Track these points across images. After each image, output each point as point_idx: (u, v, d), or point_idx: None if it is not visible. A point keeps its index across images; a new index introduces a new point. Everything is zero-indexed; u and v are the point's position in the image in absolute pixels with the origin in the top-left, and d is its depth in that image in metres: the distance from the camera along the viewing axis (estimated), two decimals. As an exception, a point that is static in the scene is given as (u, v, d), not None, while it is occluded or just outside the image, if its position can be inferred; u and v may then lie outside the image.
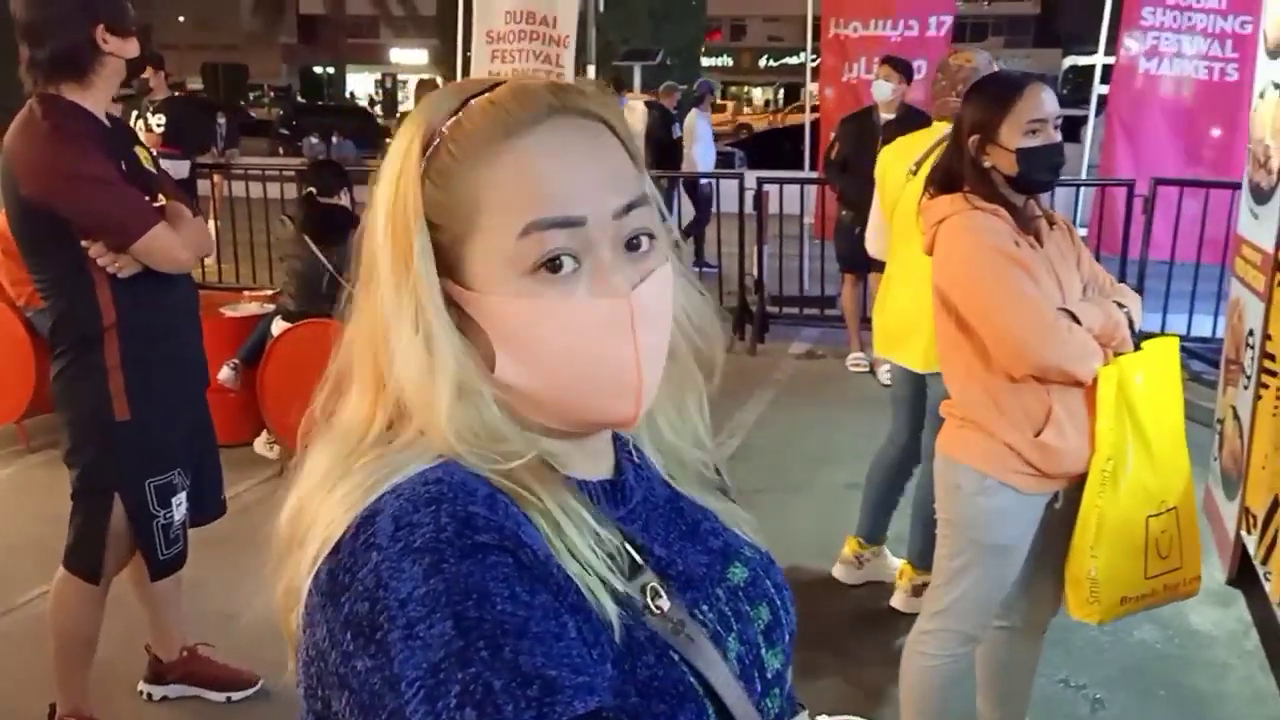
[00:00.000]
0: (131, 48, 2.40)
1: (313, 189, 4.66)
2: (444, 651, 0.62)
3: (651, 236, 0.76)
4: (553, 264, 0.72)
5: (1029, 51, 34.01)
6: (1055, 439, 2.08)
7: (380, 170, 0.77)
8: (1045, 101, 2.10)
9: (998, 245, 2.06)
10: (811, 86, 7.46)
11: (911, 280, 3.12)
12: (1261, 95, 3.61)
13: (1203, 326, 6.09)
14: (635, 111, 9.83)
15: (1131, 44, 6.26)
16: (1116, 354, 2.09)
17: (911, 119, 5.13)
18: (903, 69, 5.47)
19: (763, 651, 0.82)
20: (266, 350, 4.52)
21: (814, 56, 7.47)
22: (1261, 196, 3.49)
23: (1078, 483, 2.16)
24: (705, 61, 34.82)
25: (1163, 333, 2.13)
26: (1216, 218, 5.85)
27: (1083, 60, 30.81)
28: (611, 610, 0.70)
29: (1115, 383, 2.08)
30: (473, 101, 0.75)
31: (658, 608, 0.73)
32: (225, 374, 4.47)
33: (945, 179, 2.18)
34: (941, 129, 3.22)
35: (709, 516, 0.87)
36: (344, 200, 4.69)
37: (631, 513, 0.81)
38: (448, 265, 0.75)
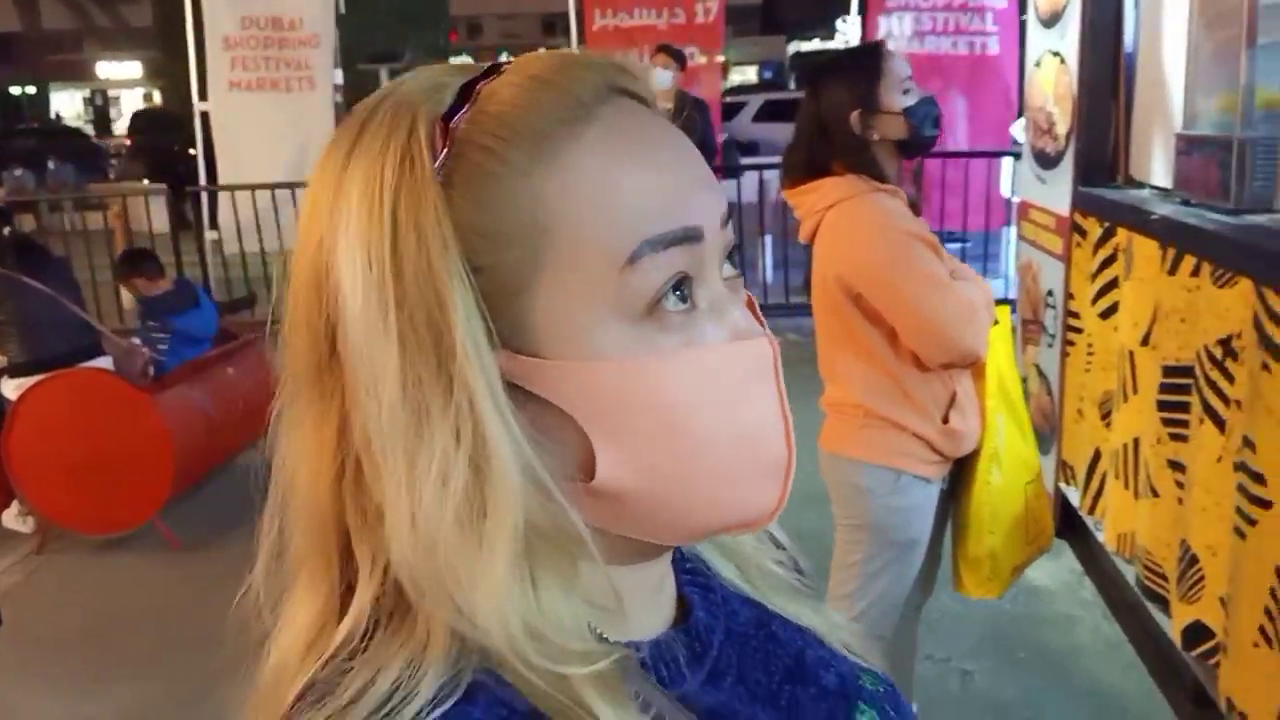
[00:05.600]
0: None
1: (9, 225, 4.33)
2: None
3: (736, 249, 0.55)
4: (681, 295, 0.49)
5: (756, 39, 35.36)
6: (960, 422, 2.03)
7: (327, 193, 0.48)
8: (902, 60, 2.05)
9: (908, 228, 1.96)
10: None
11: None
12: (1038, 64, 3.75)
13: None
14: None
15: (883, 25, 6.50)
16: None
17: (689, 106, 5.19)
18: (678, 57, 5.47)
19: None
20: (8, 414, 3.90)
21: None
22: (1048, 162, 3.63)
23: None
24: (452, 61, 34.30)
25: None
26: (978, 187, 6.19)
27: (805, 45, 32.48)
28: None
29: (997, 360, 2.05)
30: (496, 82, 0.50)
31: None
32: None
33: (810, 165, 2.05)
34: None
35: (807, 638, 0.63)
36: None
37: (716, 667, 0.56)
38: (496, 327, 0.48)
